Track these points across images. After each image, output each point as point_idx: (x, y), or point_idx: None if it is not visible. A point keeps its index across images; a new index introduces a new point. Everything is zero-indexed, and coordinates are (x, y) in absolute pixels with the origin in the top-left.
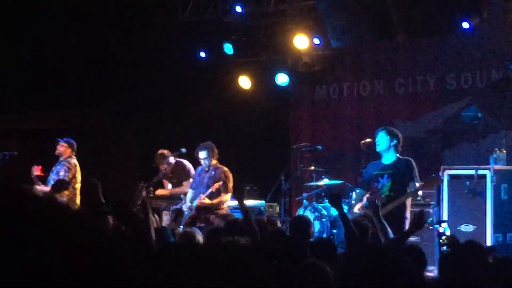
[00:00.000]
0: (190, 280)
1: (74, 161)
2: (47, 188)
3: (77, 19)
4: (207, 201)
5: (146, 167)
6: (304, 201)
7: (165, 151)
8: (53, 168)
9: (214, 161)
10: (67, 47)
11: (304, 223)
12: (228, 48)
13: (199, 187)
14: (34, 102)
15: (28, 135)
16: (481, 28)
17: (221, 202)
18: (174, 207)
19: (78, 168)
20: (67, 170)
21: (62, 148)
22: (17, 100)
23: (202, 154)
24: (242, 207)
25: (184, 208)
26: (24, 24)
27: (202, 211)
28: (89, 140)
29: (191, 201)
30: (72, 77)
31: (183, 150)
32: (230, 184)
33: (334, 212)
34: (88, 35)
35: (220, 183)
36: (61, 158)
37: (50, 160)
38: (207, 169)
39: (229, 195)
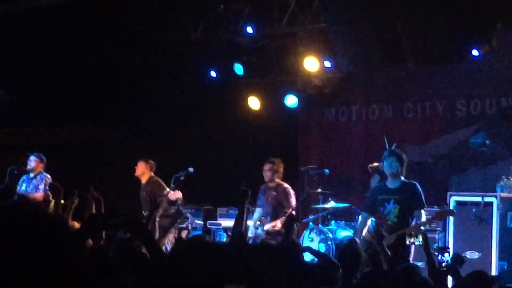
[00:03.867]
0: None
1: (49, 176)
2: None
3: (91, 40)
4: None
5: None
6: (310, 223)
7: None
8: (23, 181)
9: (277, 179)
10: (79, 66)
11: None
12: (239, 69)
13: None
14: (47, 117)
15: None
16: (491, 55)
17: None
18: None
19: None
20: (46, 184)
21: (34, 163)
22: (31, 115)
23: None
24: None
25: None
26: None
27: (272, 234)
28: (101, 157)
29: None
30: (86, 95)
31: (191, 169)
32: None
33: (339, 235)
34: (101, 54)
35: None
36: (32, 174)
37: None
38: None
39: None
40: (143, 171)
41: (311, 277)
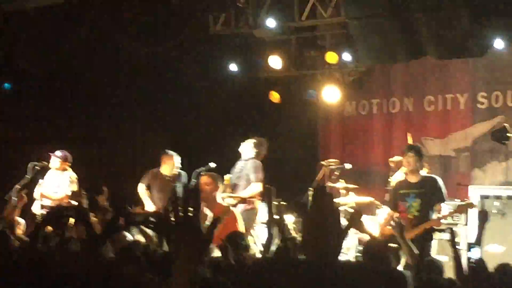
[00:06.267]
0: None
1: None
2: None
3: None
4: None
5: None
6: None
7: None
8: (44, 180)
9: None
10: (98, 58)
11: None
12: (258, 62)
13: None
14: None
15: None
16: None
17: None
18: None
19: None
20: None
21: (58, 161)
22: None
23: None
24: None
25: None
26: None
27: None
28: (120, 150)
29: None
30: (103, 88)
31: (212, 164)
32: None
33: None
34: (118, 47)
35: None
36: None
37: None
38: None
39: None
40: None
41: None
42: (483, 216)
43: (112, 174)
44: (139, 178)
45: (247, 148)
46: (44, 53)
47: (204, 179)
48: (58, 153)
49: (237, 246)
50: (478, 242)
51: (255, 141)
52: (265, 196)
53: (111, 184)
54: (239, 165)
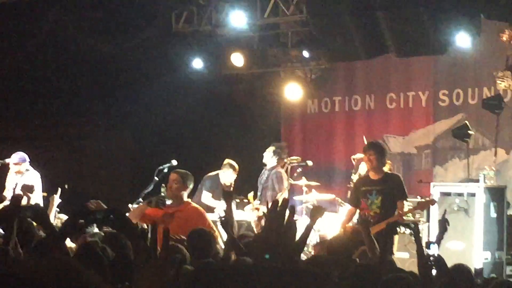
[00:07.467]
0: None
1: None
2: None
3: (70, 31)
4: None
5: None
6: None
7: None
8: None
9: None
10: (60, 56)
11: None
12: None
13: None
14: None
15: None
16: (473, 46)
17: None
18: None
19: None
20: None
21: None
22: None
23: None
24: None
25: None
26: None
27: None
28: (83, 149)
29: None
30: (66, 86)
31: (174, 162)
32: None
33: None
34: (79, 43)
35: None
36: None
37: None
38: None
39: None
40: None
41: None
42: (442, 225)
43: (74, 173)
44: (101, 176)
45: (269, 157)
46: (4, 50)
47: (174, 176)
48: (14, 157)
49: (196, 245)
50: (438, 243)
51: (274, 148)
52: (224, 199)
53: (73, 183)
54: (265, 174)
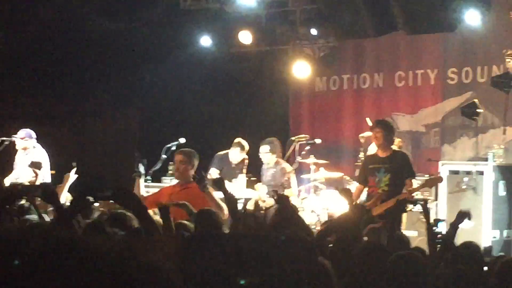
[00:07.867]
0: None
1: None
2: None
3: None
4: None
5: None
6: (302, 192)
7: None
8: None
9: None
10: (71, 34)
11: None
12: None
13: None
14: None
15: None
16: (483, 24)
17: None
18: None
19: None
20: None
21: (26, 142)
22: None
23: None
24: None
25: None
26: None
27: None
28: (90, 127)
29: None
30: (73, 64)
31: (182, 140)
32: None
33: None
34: (86, 21)
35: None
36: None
37: None
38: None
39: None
40: None
41: None
42: (461, 217)
43: (81, 151)
44: (109, 154)
45: (267, 157)
46: (9, 29)
47: (179, 157)
48: (21, 133)
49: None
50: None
51: (269, 147)
52: (215, 185)
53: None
54: (269, 172)
